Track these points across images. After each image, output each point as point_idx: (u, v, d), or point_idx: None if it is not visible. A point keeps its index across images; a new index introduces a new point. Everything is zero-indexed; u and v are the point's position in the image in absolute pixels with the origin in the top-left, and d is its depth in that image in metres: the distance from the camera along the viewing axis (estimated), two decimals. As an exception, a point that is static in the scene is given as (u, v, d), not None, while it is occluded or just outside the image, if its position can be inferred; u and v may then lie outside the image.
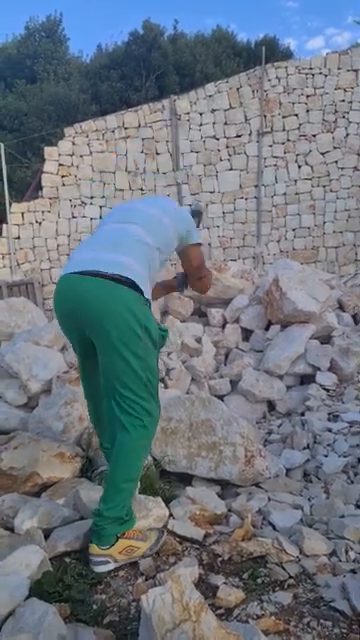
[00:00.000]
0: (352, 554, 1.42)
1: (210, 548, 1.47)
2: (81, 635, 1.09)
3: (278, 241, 9.79)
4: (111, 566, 1.39)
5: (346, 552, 1.42)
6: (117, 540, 1.39)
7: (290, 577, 1.34)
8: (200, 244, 1.79)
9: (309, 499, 1.92)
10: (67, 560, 1.46)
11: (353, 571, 1.34)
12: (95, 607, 1.25)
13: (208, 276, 1.85)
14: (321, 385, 3.13)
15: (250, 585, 1.30)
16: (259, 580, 1.32)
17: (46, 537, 1.55)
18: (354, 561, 1.39)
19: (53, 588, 1.28)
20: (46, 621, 1.03)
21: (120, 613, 1.22)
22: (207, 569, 1.40)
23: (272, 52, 12.18)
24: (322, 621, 1.13)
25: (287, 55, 13.33)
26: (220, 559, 1.44)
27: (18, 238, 8.86)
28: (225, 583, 1.31)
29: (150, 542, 1.45)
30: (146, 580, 1.34)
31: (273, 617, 1.16)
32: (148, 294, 1.46)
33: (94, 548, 1.38)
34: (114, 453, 1.42)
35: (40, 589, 1.24)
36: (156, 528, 1.53)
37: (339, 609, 1.17)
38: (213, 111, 9.40)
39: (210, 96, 9.36)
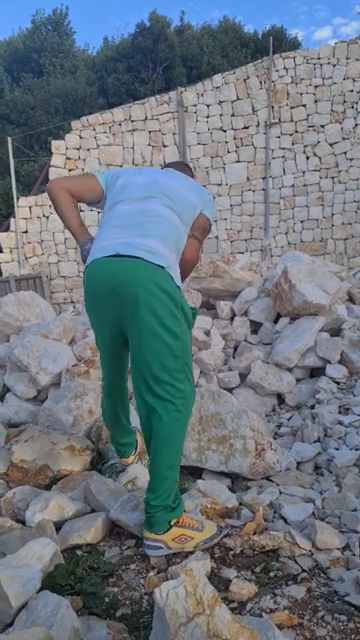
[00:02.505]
0: (366, 548, 1.40)
1: (222, 541, 1.46)
2: (94, 628, 1.09)
3: (286, 233, 9.70)
4: (163, 552, 1.39)
5: (359, 546, 1.40)
6: (171, 527, 1.39)
7: (303, 571, 1.32)
8: (210, 220, 1.65)
9: (321, 492, 1.90)
10: (79, 553, 1.46)
11: (367, 565, 1.32)
12: (107, 600, 1.24)
13: (199, 242, 1.65)
14: (331, 378, 3.10)
15: (263, 579, 1.29)
16: (272, 574, 1.31)
17: (57, 530, 1.55)
18: (368, 555, 1.38)
19: (65, 581, 1.28)
20: (59, 613, 1.03)
21: (132, 606, 1.22)
22: (219, 563, 1.39)
23: (279, 43, 12.02)
24: (337, 615, 1.12)
25: (295, 45, 13.12)
26: (232, 552, 1.42)
27: (26, 232, 8.88)
28: (237, 577, 1.30)
29: (206, 535, 1.43)
30: (158, 573, 1.34)
31: (287, 611, 1.14)
32: (179, 281, 1.45)
33: (148, 534, 1.39)
34: (152, 442, 1.40)
35: (52, 582, 1.25)
36: (217, 524, 1.52)
37: (354, 603, 1.15)
38: (220, 103, 9.30)
39: (217, 87, 9.26)
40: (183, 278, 1.60)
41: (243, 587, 1.22)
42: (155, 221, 1.47)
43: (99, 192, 1.61)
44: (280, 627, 1.08)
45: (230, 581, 1.26)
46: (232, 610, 1.18)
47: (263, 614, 1.13)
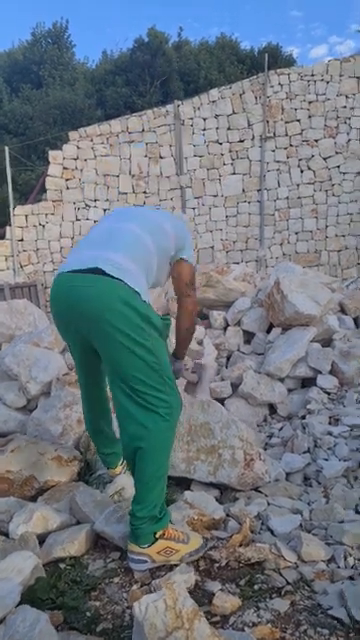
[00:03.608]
0: (351, 560, 1.39)
1: (207, 554, 1.44)
2: (73, 642, 1.07)
3: (281, 244, 9.79)
4: (148, 565, 1.37)
5: (345, 558, 1.39)
6: (156, 540, 1.37)
7: (288, 584, 1.31)
8: (192, 264, 1.68)
9: (309, 504, 1.88)
10: (62, 566, 1.44)
11: (351, 578, 1.31)
12: (89, 614, 1.22)
13: (193, 297, 1.71)
14: (322, 388, 3.10)
15: (247, 592, 1.28)
16: (256, 587, 1.30)
17: (42, 542, 1.53)
18: (353, 567, 1.36)
19: (46, 595, 1.26)
20: (37, 628, 1.01)
21: (114, 620, 1.20)
22: (204, 575, 1.37)
23: (275, 59, 12.27)
24: (319, 629, 1.10)
25: (290, 62, 13.39)
26: (217, 565, 1.41)
27: (22, 240, 8.90)
28: (221, 590, 1.28)
29: (191, 547, 1.41)
30: (141, 587, 1.32)
31: (269, 625, 1.13)
32: (145, 295, 1.40)
33: (133, 546, 1.37)
34: (139, 452, 1.36)
35: (33, 596, 1.22)
36: (202, 535, 1.50)
37: (337, 617, 1.14)
38: (216, 116, 9.44)
39: (213, 101, 9.40)
40: (186, 340, 1.70)
41: (226, 600, 1.20)
42: (122, 237, 1.46)
43: None
44: (262, 642, 1.06)
45: (214, 594, 1.24)
46: (215, 624, 1.16)
47: (246, 628, 1.12)
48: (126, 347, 1.32)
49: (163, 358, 1.41)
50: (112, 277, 1.33)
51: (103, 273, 1.34)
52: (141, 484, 1.38)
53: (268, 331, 3.78)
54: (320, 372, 3.22)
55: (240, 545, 1.47)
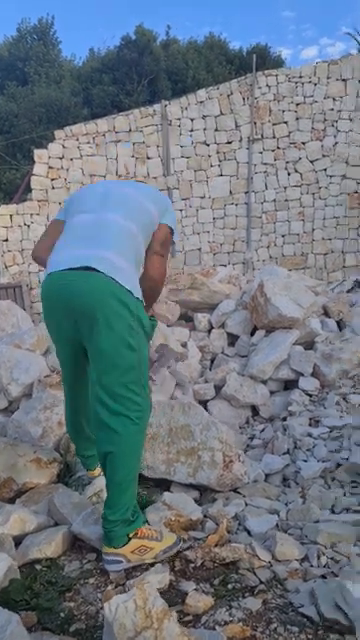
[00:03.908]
0: (324, 559, 1.42)
1: (183, 554, 1.46)
2: (45, 644, 1.07)
3: (268, 247, 9.86)
4: (123, 565, 1.37)
5: (318, 557, 1.43)
6: (129, 540, 1.37)
7: (261, 583, 1.33)
8: (170, 228, 1.62)
9: (286, 504, 1.92)
10: (38, 567, 1.44)
11: (323, 576, 1.34)
12: (63, 615, 1.23)
13: (164, 257, 1.63)
14: (304, 390, 3.14)
15: (220, 591, 1.30)
16: (230, 586, 1.32)
17: (19, 544, 1.53)
18: (325, 566, 1.40)
19: (21, 596, 1.26)
20: (8, 630, 1.02)
21: (87, 621, 1.21)
22: (179, 575, 1.39)
23: (263, 60, 12.33)
24: (289, 627, 1.13)
25: (278, 64, 13.49)
26: (192, 565, 1.43)
27: (6, 240, 8.80)
28: (195, 589, 1.30)
29: (165, 544, 1.42)
30: (116, 587, 1.33)
31: (241, 623, 1.15)
32: (138, 293, 1.42)
33: (106, 548, 1.38)
34: (109, 456, 1.37)
35: (6, 597, 1.23)
36: (177, 534, 1.51)
37: (307, 615, 1.17)
38: (204, 117, 9.46)
39: (201, 102, 9.43)
40: (150, 298, 1.57)
41: (199, 600, 1.22)
42: (110, 232, 1.44)
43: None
44: (232, 640, 1.09)
45: (187, 594, 1.26)
46: (187, 623, 1.18)
47: (217, 627, 1.14)
48: (113, 344, 1.34)
49: (144, 358, 1.44)
50: (104, 274, 1.35)
51: (96, 271, 1.35)
52: (113, 488, 1.39)
53: (252, 334, 3.82)
54: (302, 374, 3.26)
55: (216, 545, 1.49)
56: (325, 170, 9.75)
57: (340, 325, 4.00)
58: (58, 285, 1.39)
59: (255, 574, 1.37)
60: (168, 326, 4.01)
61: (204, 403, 3.37)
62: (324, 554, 1.44)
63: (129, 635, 0.92)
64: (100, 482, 1.85)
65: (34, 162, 8.91)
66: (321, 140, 9.72)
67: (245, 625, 1.14)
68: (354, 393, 2.90)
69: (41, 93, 11.25)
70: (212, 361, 3.93)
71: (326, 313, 4.09)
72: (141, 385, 1.42)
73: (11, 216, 8.80)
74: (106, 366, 1.36)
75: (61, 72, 12.92)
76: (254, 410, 3.35)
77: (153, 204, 1.58)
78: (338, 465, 2.15)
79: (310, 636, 1.10)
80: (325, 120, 9.72)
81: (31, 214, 8.86)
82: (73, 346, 1.48)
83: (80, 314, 1.36)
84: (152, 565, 1.40)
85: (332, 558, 1.42)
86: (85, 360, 1.50)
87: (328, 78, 9.62)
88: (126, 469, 1.38)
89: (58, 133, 8.98)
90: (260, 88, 9.53)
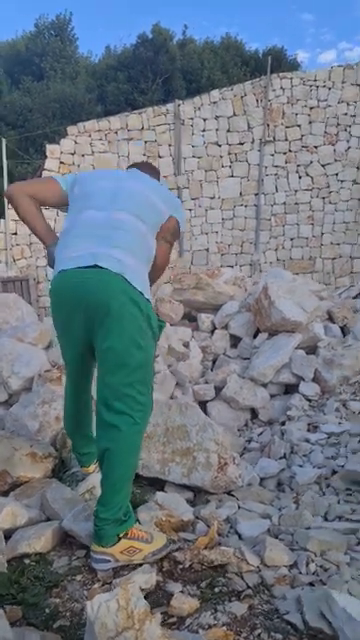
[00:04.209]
0: (312, 566, 1.41)
1: (172, 555, 1.46)
2: (28, 638, 1.07)
3: (276, 250, 9.83)
4: (111, 565, 1.38)
5: (307, 564, 1.41)
6: (119, 540, 1.38)
7: (248, 587, 1.32)
8: (179, 222, 1.63)
9: (279, 509, 1.91)
10: (27, 562, 1.44)
11: (311, 584, 1.33)
12: (48, 611, 1.23)
13: (170, 246, 1.66)
14: (304, 395, 3.12)
15: (207, 594, 1.29)
16: (216, 589, 1.31)
17: (9, 537, 1.54)
18: (314, 574, 1.38)
19: (7, 590, 1.26)
20: (-9, 623, 1.02)
21: (72, 618, 1.21)
22: (166, 576, 1.39)
23: (279, 63, 12.29)
24: (273, 633, 1.12)
25: (294, 66, 13.43)
26: (181, 566, 1.42)
27: (15, 234, 8.86)
28: (182, 592, 1.30)
29: (155, 546, 1.42)
30: (102, 585, 1.33)
31: (225, 627, 1.15)
32: (148, 293, 1.44)
33: (95, 547, 1.38)
34: (107, 454, 1.38)
35: (-8, 590, 1.23)
36: (169, 537, 1.52)
37: (291, 622, 1.16)
38: (217, 117, 9.45)
39: (214, 102, 9.41)
40: (153, 281, 1.59)
41: (184, 602, 1.22)
42: (122, 232, 1.45)
43: (62, 195, 1.59)
44: (215, 644, 1.08)
45: (173, 595, 1.26)
46: (171, 625, 1.18)
47: (200, 630, 1.13)
48: (123, 343, 1.35)
49: (150, 358, 1.46)
50: (117, 274, 1.36)
51: (108, 270, 1.36)
52: (107, 486, 1.39)
53: (255, 336, 3.81)
54: (303, 379, 3.24)
55: (205, 548, 1.49)
56: (336, 175, 9.69)
57: (344, 331, 3.97)
58: (73, 282, 1.39)
59: (243, 578, 1.36)
60: (171, 325, 4.01)
61: (204, 404, 3.37)
62: (313, 561, 1.43)
63: (110, 635, 0.92)
64: (93, 479, 1.86)
65: (46, 157, 8.96)
66: (333, 144, 9.67)
67: (229, 630, 1.13)
68: (354, 400, 2.88)
69: (56, 89, 11.30)
70: (214, 362, 3.92)
71: (330, 318, 4.05)
72: (146, 385, 1.43)
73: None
74: (113, 364, 1.37)
75: (77, 68, 12.96)
76: (253, 413, 3.34)
77: (163, 203, 1.58)
78: (334, 472, 2.13)
79: (293, 644, 1.09)
80: (338, 124, 9.66)
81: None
82: (80, 343, 1.48)
83: (93, 311, 1.37)
84: (140, 565, 1.40)
85: (321, 566, 1.41)
86: (91, 358, 1.50)
87: (343, 83, 9.56)
88: (122, 469, 1.38)
89: (71, 129, 9.03)
90: (274, 90, 9.50)
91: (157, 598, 1.28)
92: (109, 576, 1.37)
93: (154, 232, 1.55)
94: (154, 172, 1.81)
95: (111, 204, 1.50)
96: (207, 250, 9.62)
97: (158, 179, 1.79)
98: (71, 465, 2.09)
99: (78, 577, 1.38)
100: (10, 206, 8.70)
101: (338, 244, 9.85)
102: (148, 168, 1.82)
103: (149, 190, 1.57)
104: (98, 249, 1.41)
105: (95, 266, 1.37)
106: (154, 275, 1.60)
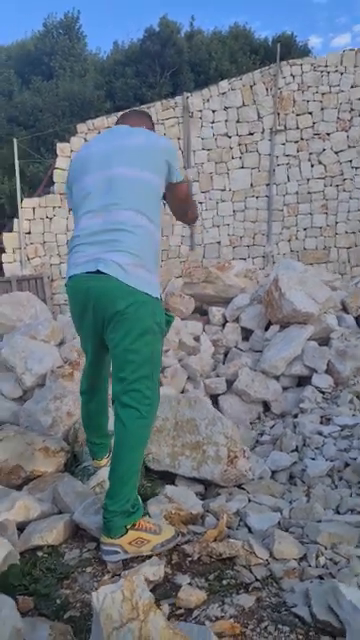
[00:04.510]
0: (322, 559, 1.40)
1: (180, 547, 1.47)
2: (38, 629, 1.10)
3: (289, 240, 9.69)
4: (121, 556, 1.40)
5: (316, 557, 1.40)
6: (127, 531, 1.41)
7: (256, 580, 1.33)
8: (183, 182, 1.61)
9: (290, 502, 1.90)
10: (39, 554, 1.48)
11: (320, 577, 1.32)
12: (59, 602, 1.26)
13: (194, 209, 1.75)
14: (317, 387, 3.09)
15: (215, 586, 1.30)
16: (225, 582, 1.32)
17: (23, 530, 1.57)
18: (323, 567, 1.37)
19: (19, 581, 1.30)
20: (2, 613, 1.05)
21: (82, 609, 1.23)
22: (175, 569, 1.40)
23: (289, 49, 12.04)
24: (280, 626, 1.12)
25: (304, 52, 13.13)
26: (189, 559, 1.43)
27: (29, 233, 8.96)
28: (190, 584, 1.31)
29: (163, 537, 1.44)
30: (112, 577, 1.35)
31: (232, 620, 1.15)
32: (155, 292, 1.48)
33: (105, 538, 1.41)
34: (115, 447, 1.43)
35: (5, 582, 1.26)
36: (178, 530, 1.54)
37: (299, 615, 1.15)
38: (226, 108, 9.33)
39: (223, 93, 9.29)
40: (183, 213, 1.71)
41: (192, 594, 1.23)
42: (124, 233, 1.44)
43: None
44: (221, 636, 1.08)
45: (181, 587, 1.27)
46: (178, 616, 1.19)
47: (207, 622, 1.14)
48: (129, 340, 1.40)
49: (158, 354, 1.49)
50: (121, 280, 1.41)
51: (114, 277, 1.40)
52: (115, 478, 1.41)
53: (266, 328, 3.77)
54: (316, 371, 3.21)
55: (214, 540, 1.49)
56: (350, 162, 9.47)
57: (358, 321, 3.90)
58: (80, 288, 1.47)
59: (251, 571, 1.36)
60: (182, 319, 4.01)
61: (215, 397, 3.36)
62: (323, 554, 1.42)
63: (115, 625, 0.94)
64: (103, 473, 1.88)
65: (57, 155, 9.01)
66: (347, 131, 9.43)
67: (236, 622, 1.14)
68: (368, 392, 2.83)
69: (65, 87, 11.33)
70: (225, 355, 3.90)
71: (345, 308, 3.99)
72: (153, 380, 1.46)
73: (34, 209, 8.95)
74: (122, 361, 1.43)
75: (86, 66, 12.95)
76: (266, 406, 3.32)
77: (157, 174, 1.51)
78: (346, 465, 2.11)
79: (301, 637, 1.09)
80: (352, 110, 9.42)
81: (53, 207, 8.98)
82: (94, 340, 1.56)
83: (101, 314, 1.44)
84: (149, 557, 1.41)
85: (331, 559, 1.40)
86: (106, 352, 1.57)
87: (355, 67, 9.30)
88: (129, 462, 1.41)
89: (80, 127, 9.05)
90: (284, 78, 9.31)
91: (165, 590, 1.29)
92: (119, 568, 1.39)
93: (156, 216, 1.52)
94: (143, 119, 1.72)
95: (107, 201, 1.47)
96: (219, 243, 9.56)
97: (150, 124, 1.73)
98: (83, 459, 2.12)
99: (88, 569, 1.40)
100: (24, 205, 8.82)
101: (353, 233, 9.65)
102: (136, 118, 1.70)
103: (139, 164, 1.47)
104: (101, 255, 1.44)
105: (98, 272, 1.42)
106: (184, 212, 1.70)
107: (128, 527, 1.40)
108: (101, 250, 1.44)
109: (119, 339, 1.42)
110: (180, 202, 1.69)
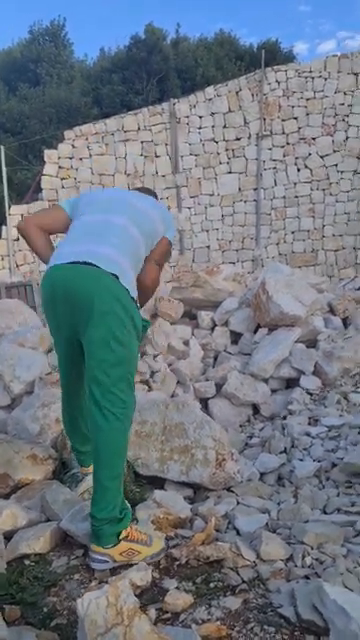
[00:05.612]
0: (308, 560, 1.41)
1: (168, 552, 1.47)
2: (24, 637, 1.10)
3: (277, 244, 9.79)
4: (109, 565, 1.40)
5: (303, 557, 1.42)
6: (119, 542, 1.40)
7: (243, 582, 1.33)
8: (170, 242, 1.71)
9: (278, 503, 1.91)
10: (26, 562, 1.47)
11: (306, 577, 1.33)
12: (45, 610, 1.25)
13: (160, 267, 1.73)
14: (305, 389, 3.12)
15: (202, 590, 1.30)
16: (212, 585, 1.32)
17: (10, 539, 1.56)
18: (309, 567, 1.39)
19: (5, 590, 1.29)
20: (-14, 623, 1.04)
21: (69, 616, 1.23)
22: (163, 573, 1.40)
23: (273, 55, 12.20)
24: (266, 627, 1.13)
25: (289, 59, 13.32)
26: (177, 563, 1.43)
27: (17, 240, 8.93)
28: (177, 588, 1.31)
29: (154, 550, 1.44)
30: (99, 583, 1.35)
31: (219, 622, 1.16)
32: (134, 292, 1.48)
33: (95, 547, 1.40)
34: (94, 453, 1.42)
35: (-9, 591, 1.25)
36: (166, 534, 1.55)
37: (284, 615, 1.16)
38: (212, 114, 9.43)
39: (210, 99, 9.39)
40: (142, 303, 1.64)
41: (179, 598, 1.23)
42: (113, 232, 1.50)
43: (66, 220, 1.66)
44: (208, 639, 1.09)
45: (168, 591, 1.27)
46: (165, 621, 1.19)
47: (194, 625, 1.14)
48: (105, 340, 1.38)
49: (133, 357, 1.48)
50: (104, 271, 1.41)
51: (95, 266, 1.41)
52: (96, 485, 1.41)
53: (255, 332, 3.80)
54: (304, 373, 3.24)
55: (202, 544, 1.50)
56: (336, 165, 9.62)
57: (346, 323, 3.95)
58: (65, 275, 1.43)
59: (238, 573, 1.37)
60: (171, 324, 4.02)
61: (205, 401, 3.38)
62: (309, 554, 1.43)
63: (99, 631, 0.94)
64: (91, 479, 1.87)
65: (44, 162, 9.01)
66: (332, 135, 9.59)
67: (222, 624, 1.14)
68: (355, 392, 2.87)
69: (51, 94, 11.35)
70: (215, 359, 3.92)
71: (332, 310, 4.04)
72: (128, 383, 1.45)
73: (22, 216, 8.91)
74: (95, 359, 1.41)
75: (72, 73, 13.00)
76: (255, 409, 3.34)
77: (159, 215, 1.66)
78: (334, 465, 2.13)
79: (286, 637, 1.10)
80: (336, 115, 9.58)
81: (41, 214, 8.96)
82: (70, 337, 1.52)
83: (79, 308, 1.41)
84: (136, 562, 1.41)
85: (317, 559, 1.41)
86: (81, 354, 1.53)
87: (339, 72, 9.48)
88: (108, 468, 1.40)
89: (68, 133, 9.07)
90: (269, 84, 9.45)
91: (153, 595, 1.29)
92: (106, 575, 1.39)
93: (146, 242, 1.60)
94: (152, 195, 1.90)
95: (110, 209, 1.58)
96: (208, 247, 9.62)
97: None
98: (72, 466, 2.11)
99: (76, 576, 1.40)
100: (12, 212, 8.78)
101: (340, 235, 9.78)
102: (148, 192, 1.91)
103: (149, 205, 1.66)
104: (92, 247, 1.46)
105: (84, 262, 1.42)
106: (144, 296, 1.65)
107: (120, 537, 1.39)
108: (92, 243, 1.47)
109: (93, 332, 1.39)
110: (155, 252, 1.66)
